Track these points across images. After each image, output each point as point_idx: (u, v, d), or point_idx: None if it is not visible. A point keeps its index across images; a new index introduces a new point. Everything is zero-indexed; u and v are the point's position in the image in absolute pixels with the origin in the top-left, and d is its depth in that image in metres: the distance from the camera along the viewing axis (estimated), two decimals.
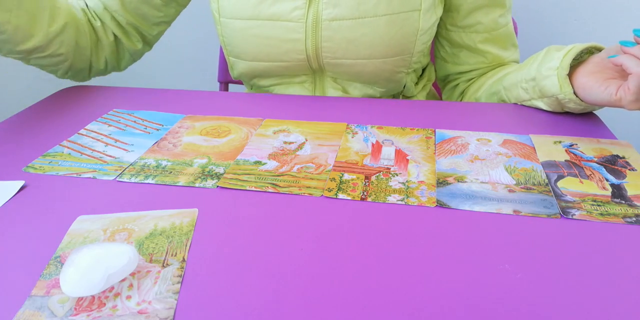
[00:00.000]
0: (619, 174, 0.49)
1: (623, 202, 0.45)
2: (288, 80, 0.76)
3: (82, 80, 0.79)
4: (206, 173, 0.50)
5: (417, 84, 0.81)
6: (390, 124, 0.61)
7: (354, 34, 0.66)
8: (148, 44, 0.82)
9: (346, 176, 0.49)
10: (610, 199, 0.45)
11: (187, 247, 0.39)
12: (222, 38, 0.74)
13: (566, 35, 1.20)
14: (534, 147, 0.55)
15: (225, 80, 1.15)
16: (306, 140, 0.57)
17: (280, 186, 0.48)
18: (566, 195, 0.46)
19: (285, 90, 0.77)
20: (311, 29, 0.67)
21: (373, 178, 0.49)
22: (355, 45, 0.67)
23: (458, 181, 0.48)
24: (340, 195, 0.46)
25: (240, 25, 0.70)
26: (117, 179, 0.49)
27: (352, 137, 0.57)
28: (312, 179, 0.49)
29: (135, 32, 0.78)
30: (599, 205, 0.44)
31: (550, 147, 0.55)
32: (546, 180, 0.48)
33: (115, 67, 0.81)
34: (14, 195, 0.47)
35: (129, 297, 0.35)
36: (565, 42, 1.20)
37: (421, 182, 0.48)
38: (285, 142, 0.56)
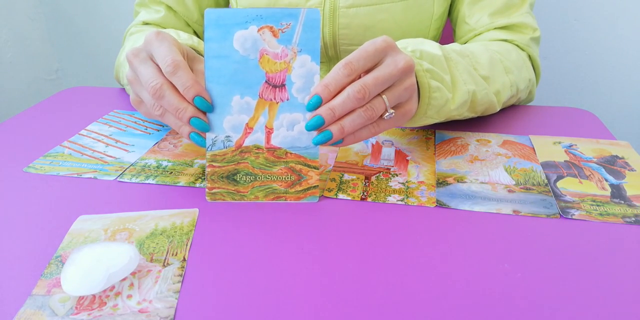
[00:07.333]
0: (618, 174, 0.49)
1: (622, 202, 0.45)
2: None
3: None
4: None
5: None
6: None
7: (371, 20, 0.67)
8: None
9: (346, 176, 0.50)
10: (609, 199, 0.45)
11: (188, 247, 0.40)
12: None
13: (566, 35, 1.20)
14: (534, 148, 0.55)
15: None
16: None
17: None
18: (565, 196, 0.46)
19: None
20: (328, 17, 0.68)
21: (373, 178, 0.49)
22: (372, 31, 0.68)
23: (458, 181, 0.48)
24: (340, 196, 0.46)
25: None
26: (118, 179, 0.50)
27: None
28: None
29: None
30: (598, 206, 0.44)
31: (549, 148, 0.55)
32: (546, 181, 0.48)
33: None
34: (15, 196, 0.47)
35: (129, 296, 0.35)
36: (566, 42, 1.21)
37: (421, 182, 0.48)
38: None
